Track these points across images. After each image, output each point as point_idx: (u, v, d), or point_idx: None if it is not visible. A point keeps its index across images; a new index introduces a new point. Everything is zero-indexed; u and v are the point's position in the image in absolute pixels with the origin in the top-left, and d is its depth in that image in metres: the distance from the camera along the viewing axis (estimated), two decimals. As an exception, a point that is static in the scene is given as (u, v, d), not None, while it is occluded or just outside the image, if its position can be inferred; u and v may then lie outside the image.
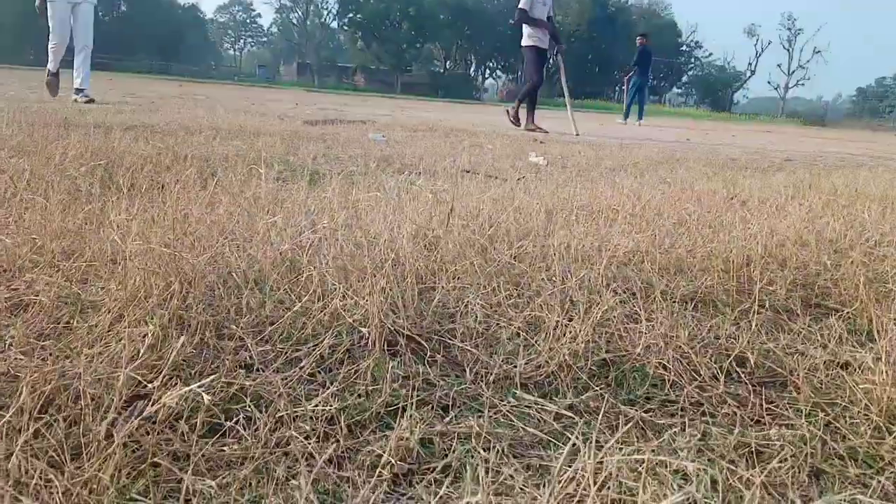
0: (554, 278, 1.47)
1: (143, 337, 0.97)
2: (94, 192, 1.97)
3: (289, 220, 1.72)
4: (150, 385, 0.82)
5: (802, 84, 73.11)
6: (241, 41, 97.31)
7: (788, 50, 72.42)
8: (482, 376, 1.06)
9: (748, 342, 1.23)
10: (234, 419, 0.85)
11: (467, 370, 1.07)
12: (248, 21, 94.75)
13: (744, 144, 9.46)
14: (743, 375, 1.13)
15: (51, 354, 0.94)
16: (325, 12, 72.73)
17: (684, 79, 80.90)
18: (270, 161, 3.03)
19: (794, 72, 72.10)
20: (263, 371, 1.00)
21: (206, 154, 3.22)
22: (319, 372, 1.02)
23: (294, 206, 1.97)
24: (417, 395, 0.97)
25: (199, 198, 1.86)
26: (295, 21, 73.87)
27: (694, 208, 2.48)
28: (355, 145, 4.66)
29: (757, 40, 73.33)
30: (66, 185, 2.05)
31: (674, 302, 1.43)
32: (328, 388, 0.95)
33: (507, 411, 0.96)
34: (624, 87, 16.34)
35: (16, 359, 0.89)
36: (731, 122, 32.55)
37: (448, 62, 75.29)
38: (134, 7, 64.25)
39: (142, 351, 0.90)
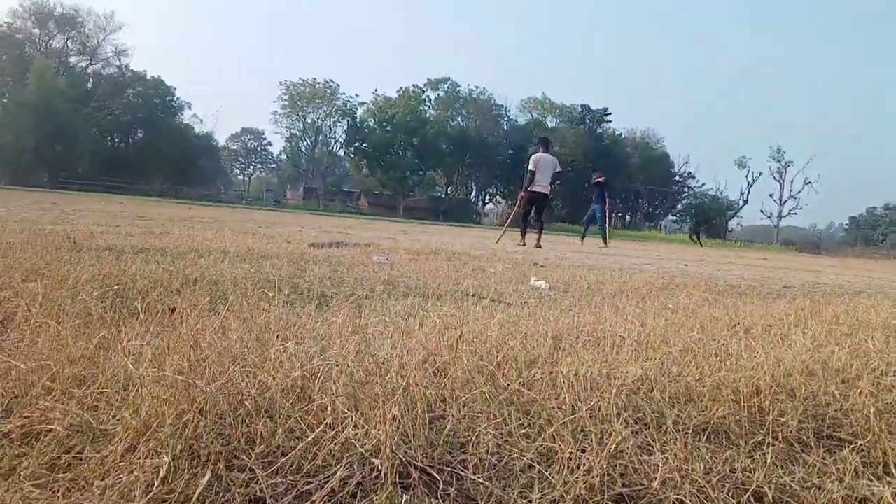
0: (564, 407, 1.47)
1: (156, 469, 0.96)
2: (106, 317, 1.99)
3: (299, 346, 1.73)
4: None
5: (795, 213, 74.88)
6: (251, 167, 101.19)
7: (779, 181, 74.77)
8: (497, 511, 1.04)
9: (764, 476, 1.21)
10: (246, 557, 0.83)
11: (481, 505, 1.05)
12: (258, 149, 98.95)
13: (741, 271, 9.59)
14: (762, 512, 1.11)
15: (63, 486, 0.92)
16: (333, 141, 75.96)
17: (679, 206, 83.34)
18: (280, 284, 3.08)
19: (786, 201, 74.08)
20: (275, 505, 0.98)
21: (215, 277, 3.28)
22: (331, 506, 1.01)
23: (303, 332, 1.99)
24: (431, 532, 0.95)
25: (211, 323, 1.89)
26: (303, 149, 76.99)
27: (699, 336, 2.50)
28: (360, 268, 4.73)
29: (748, 171, 75.91)
30: (78, 308, 2.08)
31: (686, 433, 1.42)
32: (341, 523, 0.93)
33: (524, 550, 0.93)
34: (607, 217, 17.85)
35: (28, 491, 0.88)
36: (725, 249, 33.18)
37: (449, 188, 77.83)
38: (152, 133, 67.09)
39: (155, 484, 0.90)
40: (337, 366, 1.55)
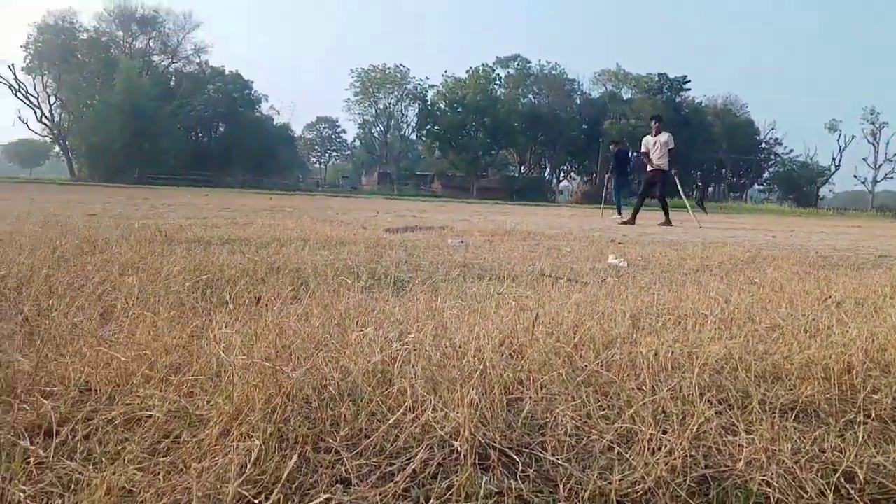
0: (644, 387, 1.45)
1: (248, 451, 1.02)
2: (198, 307, 2.10)
3: (378, 331, 1.78)
4: (256, 501, 0.86)
5: (891, 177, 70.22)
6: (327, 155, 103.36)
7: (873, 144, 70.20)
8: (576, 493, 1.04)
9: (855, 456, 1.16)
10: (334, 535, 0.87)
11: (561, 486, 1.06)
12: (333, 136, 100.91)
13: (833, 241, 9.12)
14: (852, 492, 1.07)
15: (163, 469, 0.99)
16: (405, 125, 76.54)
17: (766, 175, 79.69)
18: (358, 270, 3.16)
19: (881, 165, 69.52)
20: (360, 486, 1.02)
21: (297, 265, 3.39)
22: (414, 487, 1.04)
23: (382, 317, 2.04)
24: (511, 513, 0.96)
25: (294, 310, 1.96)
26: (376, 134, 77.92)
27: (787, 311, 2.40)
28: (435, 251, 4.78)
29: (839, 135, 71.59)
30: (172, 299, 2.20)
31: (773, 412, 1.38)
32: (423, 504, 0.96)
33: (605, 531, 0.93)
34: (606, 189, 18.19)
35: (132, 474, 0.95)
36: (815, 218, 31.36)
37: (522, 166, 77.09)
38: (232, 127, 69.43)
39: (248, 465, 0.95)
40: (415, 350, 1.58)
